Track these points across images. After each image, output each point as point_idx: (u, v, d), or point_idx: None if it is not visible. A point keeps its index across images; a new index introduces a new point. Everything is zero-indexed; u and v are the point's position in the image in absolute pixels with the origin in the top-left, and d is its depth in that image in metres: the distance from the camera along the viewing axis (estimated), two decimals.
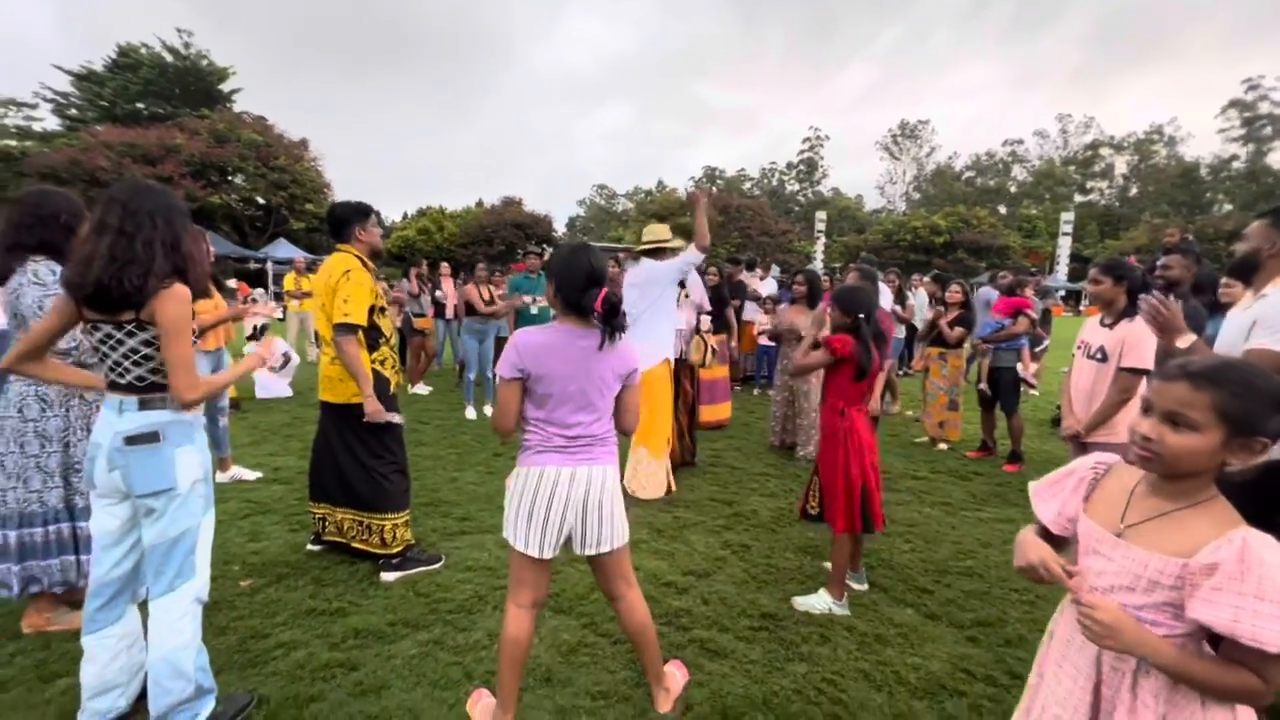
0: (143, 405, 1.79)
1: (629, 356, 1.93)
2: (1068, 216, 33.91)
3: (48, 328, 1.85)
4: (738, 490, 4.35)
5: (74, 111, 30.71)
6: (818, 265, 28.78)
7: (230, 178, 27.47)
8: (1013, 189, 59.30)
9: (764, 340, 7.53)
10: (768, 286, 8.74)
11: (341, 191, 32.47)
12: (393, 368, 3.04)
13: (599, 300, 1.80)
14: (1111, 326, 2.84)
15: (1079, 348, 3.00)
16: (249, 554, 3.15)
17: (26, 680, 2.16)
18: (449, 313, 7.91)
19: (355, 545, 3.02)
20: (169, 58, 31.64)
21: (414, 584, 2.88)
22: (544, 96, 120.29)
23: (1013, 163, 60.81)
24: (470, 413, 6.47)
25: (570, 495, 1.85)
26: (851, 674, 2.31)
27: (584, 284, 1.83)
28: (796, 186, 62.57)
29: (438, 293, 8.07)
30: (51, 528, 2.38)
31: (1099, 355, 2.84)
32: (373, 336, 2.91)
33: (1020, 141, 61.43)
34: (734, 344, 7.12)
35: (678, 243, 4.29)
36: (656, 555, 3.26)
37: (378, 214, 3.08)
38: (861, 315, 2.69)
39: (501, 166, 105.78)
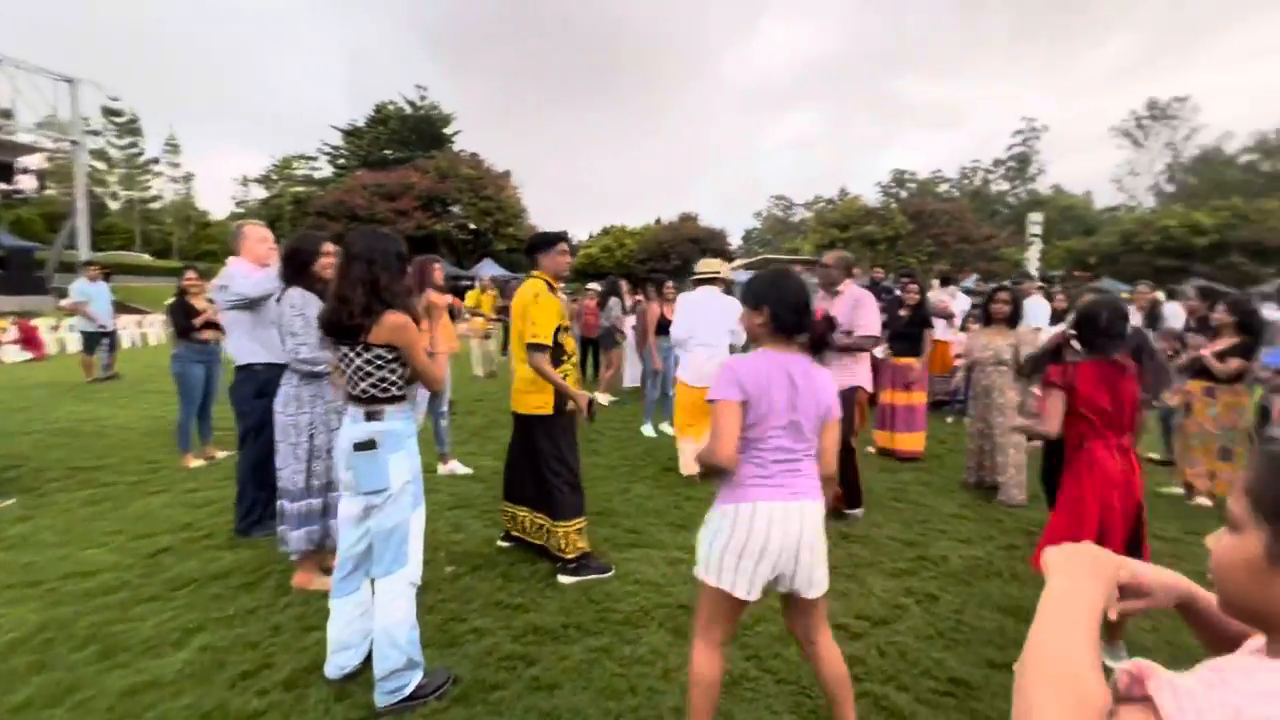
0: (368, 417, 2.16)
1: (828, 390, 1.85)
2: None
3: None
4: (924, 531, 3.94)
5: (342, 160, 38.28)
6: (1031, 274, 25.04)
7: (450, 208, 32.00)
8: None
9: (960, 364, 6.75)
10: (958, 303, 7.81)
11: (537, 214, 35.99)
12: (573, 382, 3.28)
13: (817, 320, 1.85)
14: None
15: None
16: (452, 543, 3.60)
17: (293, 628, 2.68)
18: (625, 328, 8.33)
19: (536, 543, 3.32)
20: (409, 110, 37.89)
21: (587, 590, 3.05)
22: (727, 110, 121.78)
23: None
24: (648, 429, 6.46)
25: (785, 532, 1.75)
26: None
27: (802, 306, 1.84)
28: (1005, 186, 55.40)
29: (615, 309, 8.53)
30: (300, 503, 2.97)
31: None
32: (556, 354, 3.18)
33: None
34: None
35: (726, 270, 4.98)
36: (828, 593, 3.07)
37: (566, 239, 3.37)
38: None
39: (683, 182, 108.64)
